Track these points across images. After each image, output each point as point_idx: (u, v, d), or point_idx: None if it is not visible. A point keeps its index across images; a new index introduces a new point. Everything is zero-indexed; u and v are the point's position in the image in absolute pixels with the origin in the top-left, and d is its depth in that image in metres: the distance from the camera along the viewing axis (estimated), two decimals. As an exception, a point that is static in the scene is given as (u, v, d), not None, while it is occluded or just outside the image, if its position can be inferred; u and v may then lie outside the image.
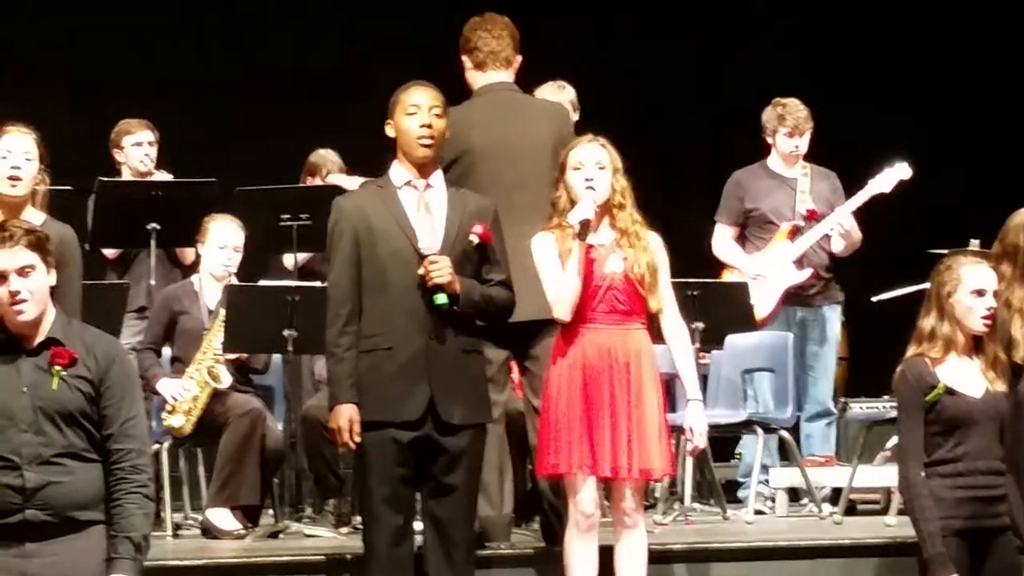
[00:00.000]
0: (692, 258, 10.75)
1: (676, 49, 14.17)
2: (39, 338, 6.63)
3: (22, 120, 8.14)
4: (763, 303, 10.22)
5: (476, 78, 8.70)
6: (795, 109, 10.46)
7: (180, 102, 12.20)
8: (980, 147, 12.93)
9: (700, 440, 7.89)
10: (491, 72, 8.69)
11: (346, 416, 7.60)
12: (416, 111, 7.66)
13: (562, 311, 7.75)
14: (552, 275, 7.76)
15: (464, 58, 8.74)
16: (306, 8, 13.27)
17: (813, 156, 10.69)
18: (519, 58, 8.75)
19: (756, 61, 14.03)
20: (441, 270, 7.51)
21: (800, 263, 10.40)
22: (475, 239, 7.62)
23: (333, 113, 12.04)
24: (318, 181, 10.61)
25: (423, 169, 7.71)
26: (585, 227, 7.66)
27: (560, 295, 7.73)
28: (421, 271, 7.52)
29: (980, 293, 7.29)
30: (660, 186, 11.04)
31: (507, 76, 8.73)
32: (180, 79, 12.75)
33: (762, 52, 14.14)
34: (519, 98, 8.78)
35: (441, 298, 7.50)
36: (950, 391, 7.29)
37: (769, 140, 10.55)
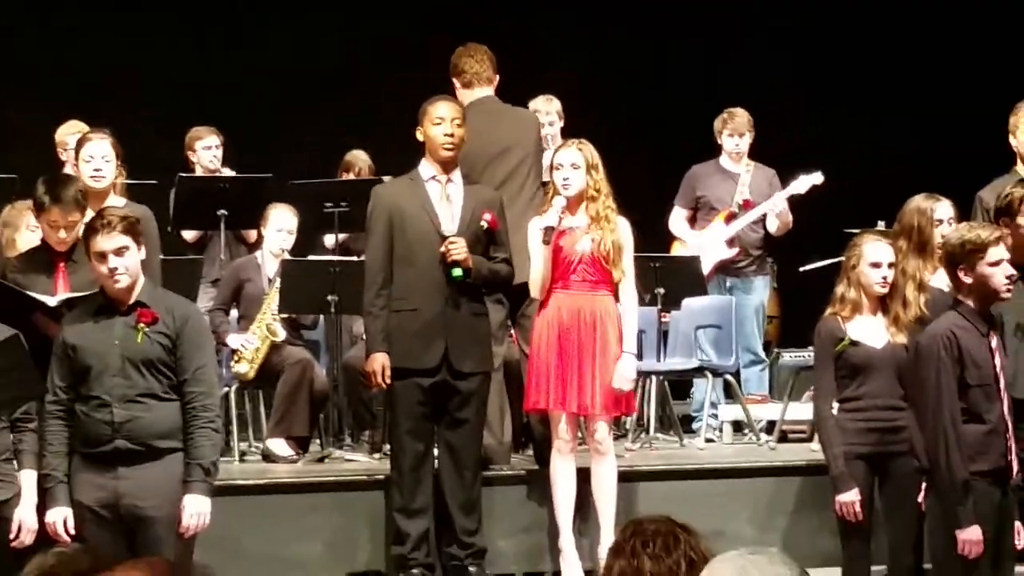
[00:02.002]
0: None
1: (672, 49, 13.43)
2: (130, 301, 6.68)
3: (108, 123, 8.15)
4: None
5: (465, 95, 8.68)
6: (737, 115, 10.48)
7: (241, 110, 12.02)
8: (891, 144, 12.71)
9: (625, 385, 7.83)
10: (477, 89, 8.69)
11: (379, 362, 7.72)
12: (441, 122, 7.78)
13: (535, 291, 7.89)
14: (535, 262, 7.84)
15: (454, 80, 8.74)
16: (345, 28, 12.95)
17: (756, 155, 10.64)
18: (497, 77, 8.75)
19: (751, 61, 13.27)
20: (458, 249, 7.62)
21: (731, 242, 10.40)
22: (485, 224, 7.76)
23: (364, 117, 11.90)
24: (352, 176, 10.58)
25: (446, 166, 7.84)
26: (548, 233, 7.72)
27: (534, 283, 7.86)
28: (442, 249, 7.56)
29: (876, 265, 7.32)
30: (655, 184, 10.88)
31: (490, 91, 8.74)
32: (245, 91, 12.53)
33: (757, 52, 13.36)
34: (502, 108, 8.79)
35: (457, 271, 7.63)
36: (855, 343, 7.31)
37: (719, 140, 10.55)
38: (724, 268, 10.40)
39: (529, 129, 8.66)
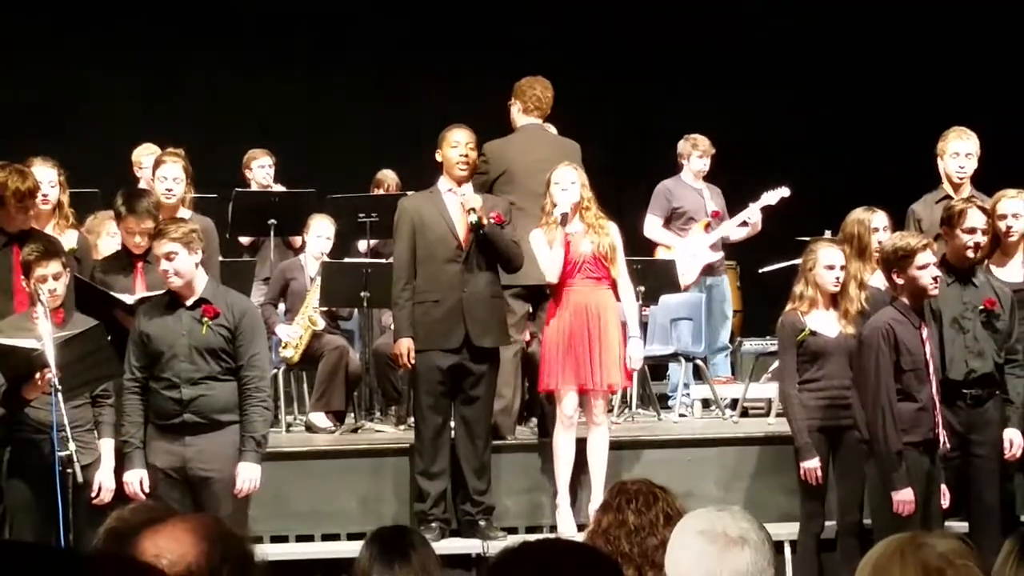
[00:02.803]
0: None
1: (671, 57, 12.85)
2: (194, 297, 6.76)
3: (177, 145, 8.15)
4: (689, 273, 10.21)
5: (519, 118, 8.71)
6: (703, 140, 10.49)
7: (292, 136, 12.00)
8: (838, 164, 12.63)
9: (635, 364, 8.00)
10: (532, 116, 8.68)
11: (405, 346, 7.73)
12: (457, 146, 7.77)
13: (552, 276, 7.85)
14: (544, 255, 7.81)
15: (516, 101, 8.72)
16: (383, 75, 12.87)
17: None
18: (549, 110, 8.74)
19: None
20: (471, 197, 7.64)
21: (715, 247, 10.40)
22: (493, 219, 7.70)
23: (393, 142, 11.87)
24: (381, 191, 10.59)
25: (460, 182, 7.80)
26: (564, 217, 7.77)
27: (551, 265, 7.82)
28: (461, 200, 7.63)
29: (831, 267, 7.36)
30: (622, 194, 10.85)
31: (540, 120, 8.72)
32: (290, 120, 12.49)
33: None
34: (547, 135, 8.77)
35: (473, 217, 7.59)
36: (813, 333, 7.35)
37: (684, 162, 10.52)
38: (706, 268, 10.42)
39: (567, 156, 8.31)
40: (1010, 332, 7.30)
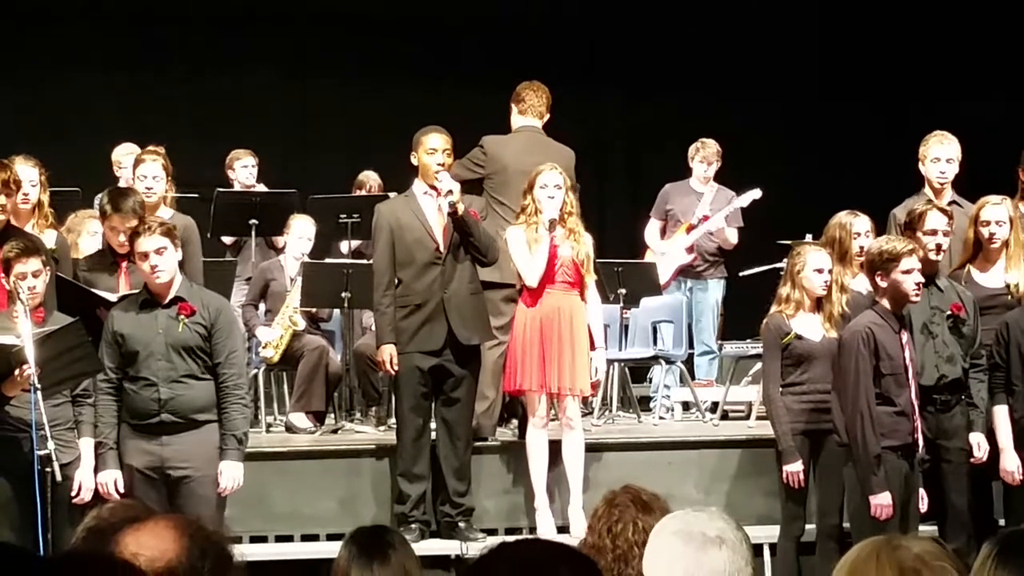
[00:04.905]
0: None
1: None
2: (170, 296, 6.76)
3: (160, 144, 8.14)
4: (663, 275, 10.26)
5: (516, 120, 8.69)
6: (708, 146, 10.51)
7: (274, 137, 11.99)
8: (818, 167, 12.65)
9: (600, 375, 8.08)
10: (528, 118, 8.66)
11: (388, 352, 7.72)
12: (434, 152, 7.72)
13: (533, 280, 7.82)
14: (523, 257, 7.83)
15: (513, 104, 8.71)
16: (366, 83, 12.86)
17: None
18: (548, 115, 8.71)
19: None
20: (451, 183, 7.61)
21: (690, 250, 10.42)
22: (472, 215, 7.70)
23: (374, 143, 11.87)
24: (363, 192, 10.59)
25: (436, 186, 7.72)
26: (553, 223, 7.75)
27: (532, 270, 7.80)
28: (438, 184, 7.60)
29: (820, 271, 7.37)
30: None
31: (538, 123, 8.70)
32: (278, 122, 12.52)
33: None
34: (543, 139, 8.71)
35: (450, 199, 7.56)
36: (798, 336, 7.36)
37: (691, 164, 10.56)
38: (684, 271, 10.44)
39: (563, 164, 8.18)
40: (975, 337, 7.34)
